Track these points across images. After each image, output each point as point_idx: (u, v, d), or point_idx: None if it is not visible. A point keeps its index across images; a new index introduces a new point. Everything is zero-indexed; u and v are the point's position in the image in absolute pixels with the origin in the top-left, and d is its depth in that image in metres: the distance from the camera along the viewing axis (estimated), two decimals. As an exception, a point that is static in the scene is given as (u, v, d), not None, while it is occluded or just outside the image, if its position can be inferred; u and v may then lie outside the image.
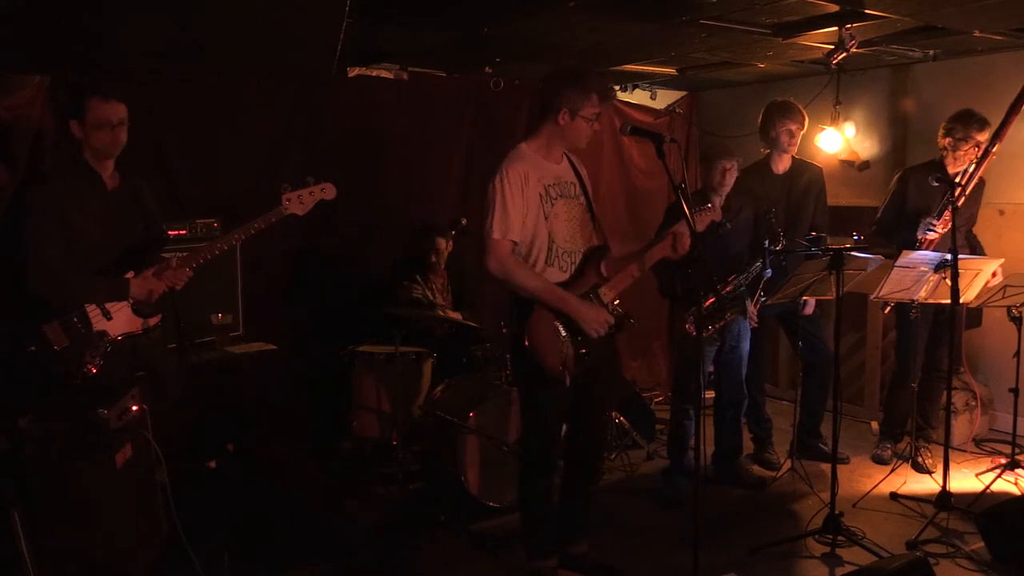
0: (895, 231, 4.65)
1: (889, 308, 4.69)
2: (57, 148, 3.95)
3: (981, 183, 4.58)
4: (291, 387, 5.02)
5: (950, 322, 4.06)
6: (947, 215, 4.32)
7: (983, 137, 4.46)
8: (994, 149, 4.39)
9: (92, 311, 3.22)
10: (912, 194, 4.67)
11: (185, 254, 3.34)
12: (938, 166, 4.60)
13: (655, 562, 3.72)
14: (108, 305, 3.25)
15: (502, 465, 4.13)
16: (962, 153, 4.50)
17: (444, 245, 5.04)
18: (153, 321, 3.40)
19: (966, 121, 4.49)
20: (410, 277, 5.00)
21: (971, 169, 4.44)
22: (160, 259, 3.34)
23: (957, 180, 4.39)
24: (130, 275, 3.25)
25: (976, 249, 4.74)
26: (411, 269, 5.05)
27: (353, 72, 5.22)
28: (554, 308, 3.17)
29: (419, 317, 4.70)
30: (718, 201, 4.36)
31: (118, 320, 3.27)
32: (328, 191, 3.40)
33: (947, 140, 4.55)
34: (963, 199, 4.39)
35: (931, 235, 4.45)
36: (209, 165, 4.66)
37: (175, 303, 3.34)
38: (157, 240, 3.48)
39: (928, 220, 4.45)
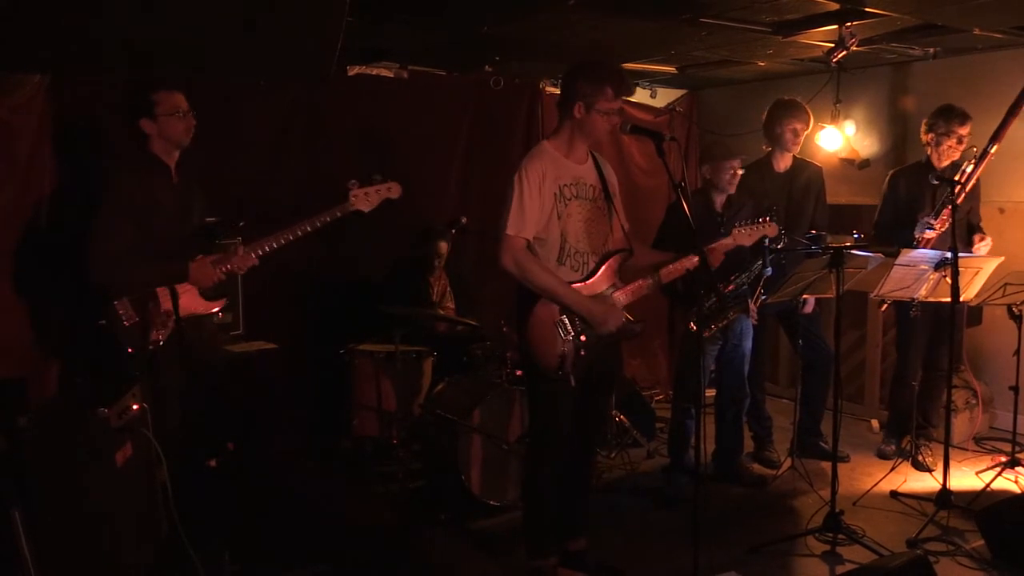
0: (894, 232, 4.66)
1: (887, 305, 4.69)
2: (55, 150, 3.98)
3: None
4: (291, 386, 5.02)
5: (949, 320, 4.06)
6: (945, 213, 4.35)
7: (965, 131, 4.52)
8: (992, 149, 4.40)
9: (160, 290, 3.32)
10: (903, 193, 4.73)
11: (247, 244, 3.45)
12: (925, 165, 4.66)
13: (655, 561, 3.72)
14: (176, 284, 3.34)
15: (503, 464, 4.13)
16: (945, 148, 4.56)
17: (445, 248, 5.05)
18: (216, 306, 3.50)
19: (948, 116, 4.54)
20: (422, 277, 5.01)
21: (969, 169, 4.44)
22: (220, 246, 3.47)
23: (956, 179, 4.39)
24: (199, 258, 3.36)
25: (974, 229, 4.73)
26: (416, 270, 5.05)
27: (353, 71, 5.22)
28: (565, 307, 3.18)
29: (419, 316, 4.70)
30: (720, 199, 4.37)
31: (185, 301, 3.34)
32: (394, 190, 3.50)
33: (929, 136, 4.62)
34: (962, 196, 4.40)
35: (929, 233, 4.46)
36: (209, 164, 4.63)
37: (175, 300, 3.36)
38: (213, 229, 3.58)
39: (926, 220, 4.47)
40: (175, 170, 3.46)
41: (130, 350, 3.27)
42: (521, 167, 3.18)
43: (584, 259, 3.27)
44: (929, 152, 4.65)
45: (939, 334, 4.71)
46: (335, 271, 5.19)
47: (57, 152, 4.13)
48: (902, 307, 4.57)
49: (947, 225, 4.35)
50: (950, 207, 4.21)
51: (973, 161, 4.45)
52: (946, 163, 4.59)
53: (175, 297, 3.29)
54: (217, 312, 3.57)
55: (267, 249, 3.40)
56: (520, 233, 3.14)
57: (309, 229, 3.39)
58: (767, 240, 4.04)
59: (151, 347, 3.29)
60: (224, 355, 4.10)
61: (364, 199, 3.43)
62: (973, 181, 4.46)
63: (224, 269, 3.38)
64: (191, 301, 3.38)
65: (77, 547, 2.83)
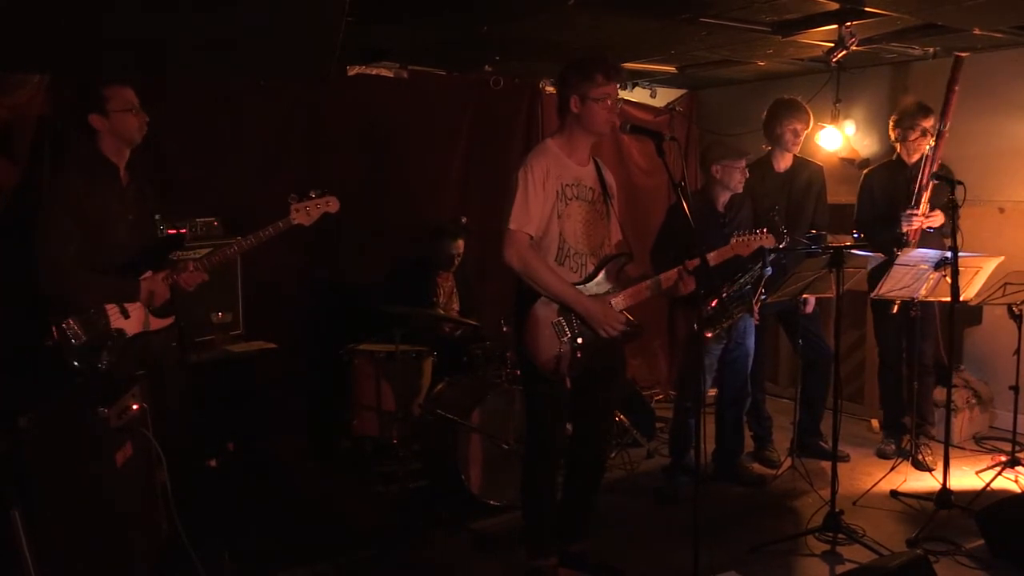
0: (877, 229, 4.69)
1: (896, 307, 4.68)
2: (60, 149, 3.96)
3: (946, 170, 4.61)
4: (291, 386, 5.01)
5: (948, 319, 4.07)
6: (924, 199, 4.47)
7: (928, 124, 4.61)
8: (945, 129, 4.47)
9: (111, 308, 3.25)
10: (877, 190, 4.82)
11: (200, 257, 3.39)
12: (896, 164, 4.77)
13: (655, 560, 3.72)
14: (126, 303, 3.27)
15: (503, 463, 4.13)
16: (911, 142, 4.66)
17: (462, 246, 5.04)
18: (166, 322, 3.43)
19: (912, 111, 4.67)
20: (429, 277, 5.01)
21: (929, 153, 4.53)
22: (171, 260, 3.38)
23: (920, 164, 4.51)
24: (148, 275, 3.28)
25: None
26: (426, 269, 5.05)
27: (353, 71, 5.22)
28: (566, 306, 3.18)
29: (418, 315, 4.70)
30: (723, 199, 4.36)
31: (135, 318, 3.29)
32: (332, 204, 3.47)
33: (896, 131, 4.74)
34: (930, 186, 4.47)
35: (916, 223, 4.51)
36: (209, 164, 4.66)
37: (173, 302, 3.36)
38: (173, 240, 3.51)
39: (909, 212, 4.52)
40: (125, 171, 3.34)
41: (76, 364, 3.17)
42: (526, 162, 3.19)
43: (582, 260, 3.27)
44: (898, 148, 4.75)
45: (922, 328, 4.73)
46: (335, 271, 5.19)
47: (55, 152, 4.12)
48: (878, 304, 4.63)
49: (928, 210, 4.49)
50: (927, 192, 4.42)
51: (931, 145, 4.54)
52: (915, 157, 4.65)
53: (174, 295, 3.25)
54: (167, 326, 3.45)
55: (214, 261, 3.37)
56: (524, 228, 3.14)
57: (254, 242, 3.37)
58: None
59: (100, 366, 3.19)
60: (187, 365, 3.93)
61: (304, 213, 3.40)
62: (937, 163, 4.51)
63: (170, 283, 3.29)
64: (142, 319, 3.31)
65: (77, 547, 2.83)
